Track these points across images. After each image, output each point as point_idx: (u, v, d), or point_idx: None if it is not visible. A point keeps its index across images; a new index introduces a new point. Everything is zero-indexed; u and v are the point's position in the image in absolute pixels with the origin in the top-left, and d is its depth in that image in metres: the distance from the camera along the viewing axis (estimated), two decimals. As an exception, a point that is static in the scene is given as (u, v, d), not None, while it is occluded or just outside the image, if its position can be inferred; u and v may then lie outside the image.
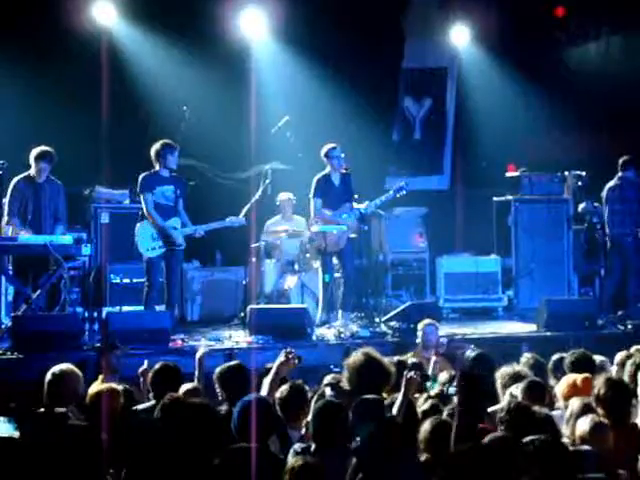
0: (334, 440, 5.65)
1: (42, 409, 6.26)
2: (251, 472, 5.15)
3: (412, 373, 6.31)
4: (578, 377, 6.56)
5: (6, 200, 10.28)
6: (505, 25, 13.92)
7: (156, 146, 10.52)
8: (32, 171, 10.39)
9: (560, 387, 6.58)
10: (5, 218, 10.22)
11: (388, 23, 14.18)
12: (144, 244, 10.47)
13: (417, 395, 6.56)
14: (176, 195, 10.57)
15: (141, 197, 10.57)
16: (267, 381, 6.60)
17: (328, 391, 6.59)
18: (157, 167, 10.54)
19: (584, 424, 5.69)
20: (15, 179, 10.39)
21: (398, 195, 11.33)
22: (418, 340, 9.46)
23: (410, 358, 8.15)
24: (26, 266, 10.22)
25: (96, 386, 6.89)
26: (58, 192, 10.52)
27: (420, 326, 9.52)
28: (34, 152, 10.36)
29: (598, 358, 7.53)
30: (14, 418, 6.62)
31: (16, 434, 6.30)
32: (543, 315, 11.06)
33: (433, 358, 8.45)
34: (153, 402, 6.68)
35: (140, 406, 6.73)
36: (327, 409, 5.77)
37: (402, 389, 6.22)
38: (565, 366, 7.21)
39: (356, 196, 11.13)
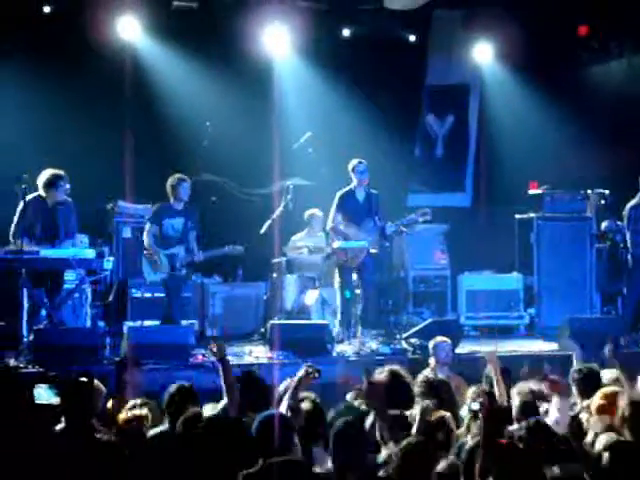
0: (352, 459, 5.57)
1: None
2: None
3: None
4: (610, 391, 6.49)
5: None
6: (528, 43, 13.87)
7: (170, 180, 10.80)
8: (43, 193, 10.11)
9: (594, 402, 6.51)
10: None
11: (411, 40, 14.22)
12: (146, 270, 10.77)
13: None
14: (186, 227, 10.77)
15: (146, 225, 10.86)
16: (287, 396, 6.59)
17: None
18: (171, 200, 10.77)
19: (599, 444, 5.65)
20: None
21: (421, 220, 11.37)
22: (431, 359, 8.92)
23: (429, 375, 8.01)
24: (41, 281, 10.12)
25: (113, 402, 6.91)
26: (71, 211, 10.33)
27: (432, 344, 9.00)
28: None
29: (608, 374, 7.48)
30: (54, 385, 6.65)
31: (56, 400, 6.38)
32: (565, 334, 11.00)
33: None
34: (167, 426, 6.53)
35: (152, 431, 6.53)
36: (346, 430, 5.69)
37: None
38: (571, 381, 7.17)
39: (377, 218, 11.13)
